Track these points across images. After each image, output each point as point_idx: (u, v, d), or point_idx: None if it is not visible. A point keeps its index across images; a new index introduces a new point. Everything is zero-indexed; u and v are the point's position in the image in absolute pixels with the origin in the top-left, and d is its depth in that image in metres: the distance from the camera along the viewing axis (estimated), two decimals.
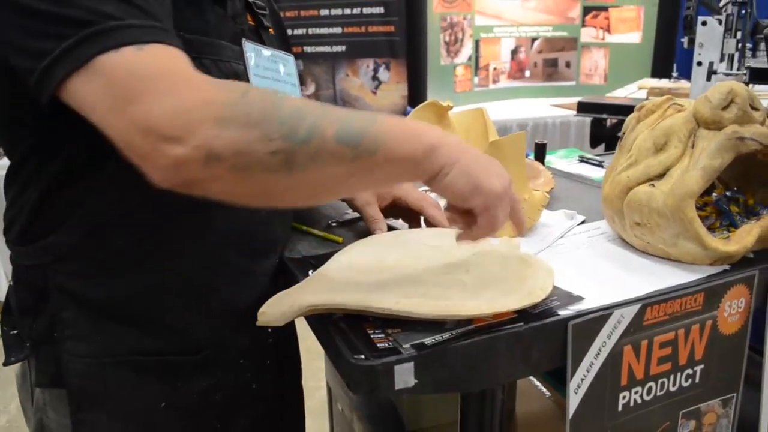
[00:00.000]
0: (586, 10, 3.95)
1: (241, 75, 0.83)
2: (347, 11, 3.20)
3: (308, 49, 3.32)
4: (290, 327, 1.01)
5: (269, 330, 0.90)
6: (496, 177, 0.66)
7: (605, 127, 2.22)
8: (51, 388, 0.81)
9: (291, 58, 0.97)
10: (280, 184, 0.60)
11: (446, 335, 0.65)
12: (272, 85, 0.90)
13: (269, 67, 0.90)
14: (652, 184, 0.86)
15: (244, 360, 0.87)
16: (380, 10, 3.15)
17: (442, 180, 0.64)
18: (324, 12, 3.23)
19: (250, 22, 0.91)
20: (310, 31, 3.28)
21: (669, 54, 3.85)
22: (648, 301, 0.75)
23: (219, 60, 0.80)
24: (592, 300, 0.74)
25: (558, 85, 4.08)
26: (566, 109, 3.55)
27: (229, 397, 0.86)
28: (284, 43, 1.01)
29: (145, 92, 0.56)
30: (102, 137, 0.61)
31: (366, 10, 3.18)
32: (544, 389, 1.23)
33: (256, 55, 0.87)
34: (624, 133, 0.97)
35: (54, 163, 0.72)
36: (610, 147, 2.49)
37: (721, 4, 2.50)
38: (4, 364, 0.83)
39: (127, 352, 0.79)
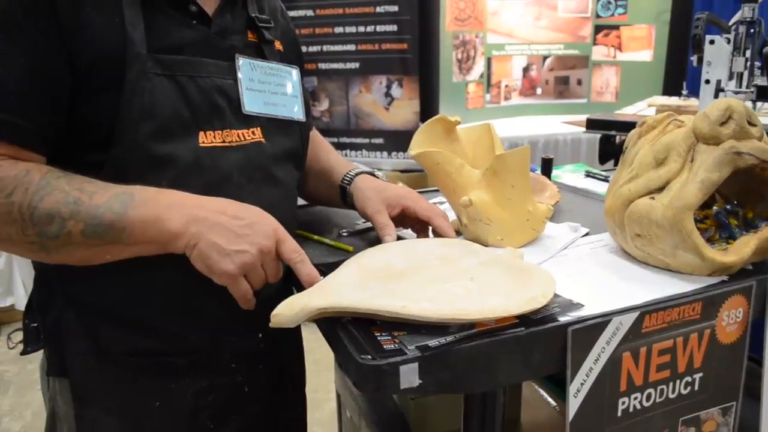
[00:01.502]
0: (598, 29, 3.99)
1: (227, 89, 0.87)
2: (361, 29, 3.26)
3: (322, 65, 3.38)
4: (289, 335, 1.04)
5: (260, 335, 0.93)
6: (235, 254, 0.74)
7: (614, 143, 2.24)
8: (60, 377, 0.86)
9: (294, 71, 0.99)
10: (49, 258, 0.75)
11: (450, 338, 0.68)
12: (269, 98, 0.93)
13: (266, 80, 0.93)
14: (652, 197, 0.89)
15: (236, 363, 0.91)
16: (394, 28, 3.21)
17: (190, 258, 0.75)
18: (338, 30, 3.29)
19: (253, 39, 0.94)
20: (325, 48, 3.34)
21: (680, 72, 3.87)
22: (646, 309, 0.78)
23: (197, 76, 0.84)
24: (592, 307, 0.77)
25: (569, 102, 4.11)
26: (577, 126, 3.57)
27: (222, 398, 0.90)
28: (296, 56, 1.04)
29: None
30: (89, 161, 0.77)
31: (379, 28, 3.23)
32: (550, 399, 1.25)
33: (251, 69, 0.91)
34: (626, 148, 1.00)
35: None
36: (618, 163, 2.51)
37: (731, 23, 2.53)
38: (22, 353, 0.89)
39: (121, 352, 0.84)
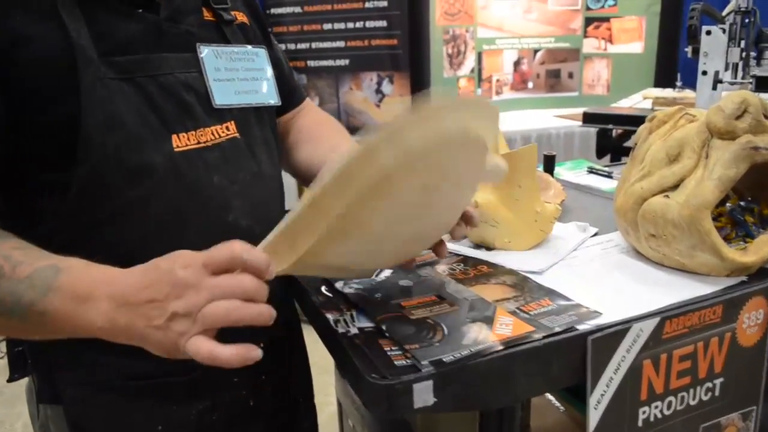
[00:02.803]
0: (588, 21, 3.95)
1: (193, 83, 0.79)
2: (350, 25, 3.21)
3: (312, 63, 3.32)
4: (293, 342, 1.00)
5: (262, 345, 0.88)
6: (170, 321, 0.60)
7: (611, 137, 2.21)
8: (52, 404, 0.80)
9: (260, 51, 0.91)
10: None
11: (465, 352, 0.64)
12: (239, 87, 0.86)
13: (233, 67, 0.86)
14: (667, 195, 0.85)
15: (238, 377, 0.86)
16: (383, 23, 3.16)
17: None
18: (327, 26, 3.24)
19: (210, 18, 0.86)
20: (314, 45, 3.29)
21: (671, 64, 3.85)
22: (667, 315, 0.74)
23: (157, 74, 0.76)
24: (610, 314, 0.73)
25: (561, 96, 4.07)
26: (570, 120, 3.54)
27: (227, 416, 0.85)
28: (262, 32, 0.96)
29: None
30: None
31: (369, 24, 3.19)
32: (558, 404, 1.22)
33: (215, 57, 0.83)
34: (636, 144, 0.96)
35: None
36: (616, 158, 2.48)
37: (724, 13, 2.50)
38: (8, 381, 0.84)
39: (117, 377, 0.78)
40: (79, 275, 0.64)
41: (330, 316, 0.74)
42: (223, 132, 0.82)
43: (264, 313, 0.59)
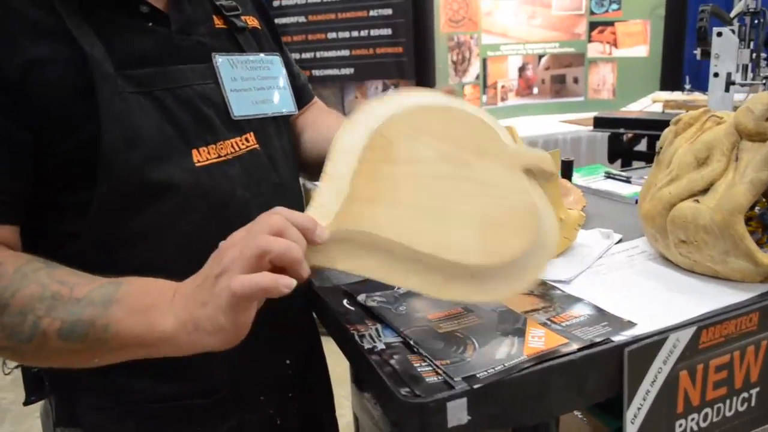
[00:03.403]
0: (593, 26, 3.94)
1: (210, 95, 0.77)
2: (355, 34, 3.20)
3: (316, 72, 3.31)
4: (316, 355, 0.97)
5: (288, 362, 0.86)
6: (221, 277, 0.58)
7: (622, 141, 2.19)
8: (72, 427, 0.77)
9: (275, 57, 0.89)
10: (24, 362, 0.67)
11: (498, 367, 0.61)
12: (257, 95, 0.83)
13: (249, 76, 0.83)
14: (697, 200, 0.83)
15: (264, 396, 0.83)
16: (388, 31, 3.15)
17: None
18: (332, 35, 3.23)
19: (222, 26, 0.84)
20: (318, 54, 3.28)
21: (677, 66, 3.83)
22: (703, 324, 0.71)
23: (175, 87, 0.74)
24: (645, 324, 0.71)
25: (567, 101, 4.06)
26: (576, 125, 3.52)
27: None
28: (273, 36, 0.94)
29: None
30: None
31: (374, 32, 3.18)
32: (580, 415, 1.19)
33: (231, 66, 0.81)
34: (661, 148, 0.93)
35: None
36: (627, 162, 2.46)
37: (732, 14, 2.48)
38: (25, 404, 0.81)
39: (140, 400, 0.76)
40: (141, 286, 0.62)
41: (355, 331, 0.71)
42: (243, 144, 0.80)
43: (293, 247, 0.57)
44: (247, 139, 0.81)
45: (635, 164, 2.52)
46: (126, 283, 0.62)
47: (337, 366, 0.75)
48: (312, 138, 0.99)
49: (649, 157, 2.66)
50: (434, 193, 0.67)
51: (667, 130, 0.94)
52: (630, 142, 2.32)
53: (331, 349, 0.87)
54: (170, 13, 0.76)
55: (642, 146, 2.61)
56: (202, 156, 0.75)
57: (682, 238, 0.83)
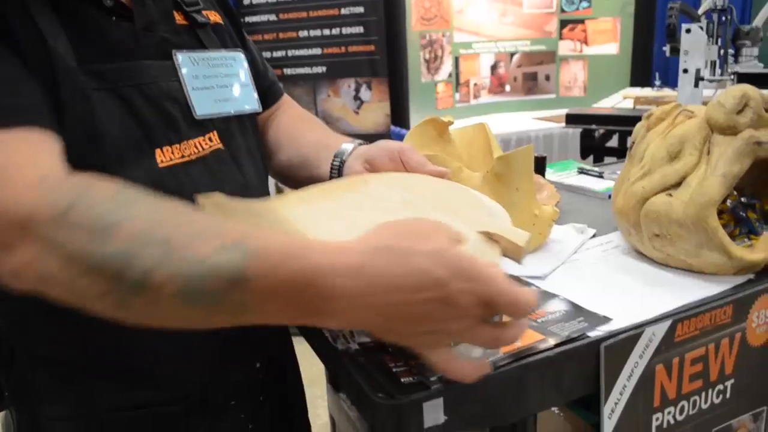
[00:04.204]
0: (563, 23, 3.97)
1: (175, 93, 0.75)
2: (326, 32, 3.17)
3: (288, 71, 3.28)
4: (287, 358, 0.95)
5: (258, 365, 0.84)
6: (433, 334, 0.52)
7: (594, 138, 2.20)
8: None
9: (238, 55, 0.87)
10: (125, 320, 0.51)
11: None
12: (220, 93, 0.81)
13: (211, 74, 0.81)
14: (670, 194, 0.83)
15: (236, 400, 0.81)
16: (360, 29, 3.13)
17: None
18: (303, 33, 3.20)
19: (182, 22, 0.81)
20: (290, 53, 3.25)
21: (647, 63, 3.88)
22: (678, 317, 0.71)
23: (141, 84, 0.71)
24: (621, 319, 0.70)
25: (539, 98, 4.08)
26: (549, 122, 3.55)
27: None
28: (236, 30, 0.92)
29: None
30: None
31: (345, 30, 3.15)
32: (556, 409, 1.19)
33: (192, 64, 0.78)
34: (633, 143, 0.94)
35: None
36: (599, 158, 2.48)
37: (700, 12, 2.52)
38: None
39: (107, 408, 0.73)
40: (286, 269, 0.49)
41: (328, 332, 0.70)
42: (206, 144, 0.78)
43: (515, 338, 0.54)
44: (210, 139, 0.78)
45: (607, 160, 2.54)
46: (257, 257, 0.48)
47: (312, 366, 0.74)
48: (292, 156, 0.96)
49: (620, 152, 2.69)
50: (364, 214, 0.67)
51: (639, 124, 0.94)
52: (602, 139, 2.34)
53: (304, 349, 0.86)
54: (135, 9, 0.74)
55: (613, 142, 2.63)
56: (166, 156, 0.72)
57: (655, 232, 0.83)
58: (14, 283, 0.51)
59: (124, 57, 0.71)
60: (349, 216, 0.67)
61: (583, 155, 2.24)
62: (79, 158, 0.63)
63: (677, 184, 0.83)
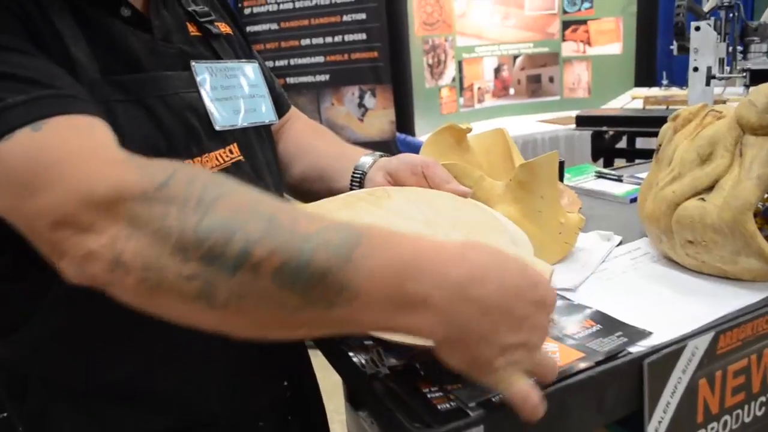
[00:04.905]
0: (566, 25, 3.95)
1: (196, 104, 0.72)
2: (329, 39, 3.15)
3: (291, 80, 3.26)
4: (310, 374, 0.92)
5: (286, 383, 0.81)
6: (514, 348, 0.49)
7: (605, 139, 2.17)
8: None
9: (253, 65, 0.85)
10: (201, 317, 0.46)
11: None
12: (238, 104, 0.79)
13: (229, 84, 0.79)
14: (702, 198, 0.79)
15: (264, 421, 0.78)
16: (363, 36, 3.11)
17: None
18: (305, 42, 3.18)
19: (196, 33, 0.79)
20: (292, 62, 3.23)
21: (651, 63, 3.86)
22: (721, 328, 0.68)
23: (165, 95, 0.69)
24: (661, 332, 0.67)
25: (543, 101, 4.06)
26: (554, 124, 3.52)
27: None
28: (245, 42, 0.90)
29: (49, 181, 0.48)
30: None
31: (348, 38, 3.13)
32: None
33: (210, 75, 0.76)
34: (660, 146, 0.90)
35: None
36: (609, 160, 2.44)
37: (706, 9, 2.49)
38: None
39: None
40: (392, 238, 0.48)
41: (356, 357, 0.66)
42: (227, 156, 0.75)
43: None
44: (231, 151, 0.76)
45: (617, 162, 2.51)
46: (365, 235, 0.47)
47: (325, 380, 0.72)
48: (305, 170, 0.94)
49: (630, 154, 2.66)
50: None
51: (665, 126, 0.91)
52: (611, 140, 2.31)
53: (318, 363, 0.83)
54: (151, 19, 0.72)
55: (622, 143, 2.60)
56: None
57: (689, 239, 0.80)
58: (80, 271, 0.47)
59: (146, 68, 0.69)
60: None
61: (595, 158, 2.21)
62: None
63: (709, 188, 0.80)
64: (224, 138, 0.75)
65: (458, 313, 0.47)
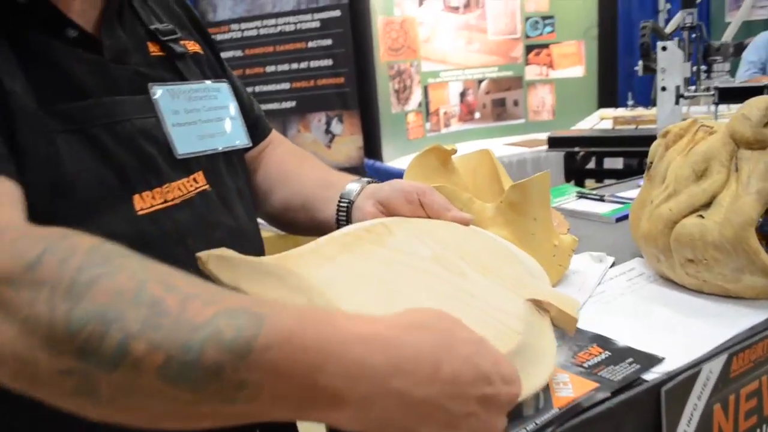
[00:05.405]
0: (529, 49, 4.00)
1: (153, 131, 0.66)
2: (295, 66, 3.12)
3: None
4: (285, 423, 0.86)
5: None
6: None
7: (576, 160, 2.18)
8: None
9: (223, 86, 0.79)
10: (89, 412, 0.40)
11: (530, 426, 0.52)
12: (203, 128, 0.73)
13: (193, 108, 0.73)
14: (701, 215, 0.77)
15: None
16: (329, 62, 3.09)
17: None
18: (270, 68, 3.14)
19: (158, 53, 0.73)
20: (257, 89, 3.18)
21: (612, 84, 3.92)
22: (733, 350, 0.65)
23: (112, 123, 0.63)
24: (673, 357, 0.64)
25: (508, 124, 4.09)
26: (520, 147, 3.54)
27: None
28: (217, 60, 0.84)
29: None
30: None
31: (314, 64, 3.10)
32: None
33: (171, 97, 0.70)
34: (651, 163, 0.88)
35: None
36: (580, 181, 2.45)
37: (668, 30, 2.54)
38: None
39: None
40: (297, 321, 0.41)
41: None
42: (191, 185, 0.69)
43: None
44: (195, 180, 0.70)
45: (587, 183, 2.51)
46: (270, 318, 0.41)
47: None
48: (286, 197, 0.88)
49: (599, 174, 2.67)
50: (399, 277, 0.59)
51: (655, 143, 0.89)
52: (582, 161, 2.32)
53: None
54: (103, 39, 0.66)
55: (591, 164, 2.62)
56: (146, 202, 0.63)
57: (689, 257, 0.77)
58: None
59: (93, 93, 0.62)
60: (379, 278, 0.58)
61: (567, 178, 2.21)
62: (44, 209, 0.54)
63: (707, 205, 0.78)
64: (188, 166, 0.69)
65: (377, 407, 0.41)
